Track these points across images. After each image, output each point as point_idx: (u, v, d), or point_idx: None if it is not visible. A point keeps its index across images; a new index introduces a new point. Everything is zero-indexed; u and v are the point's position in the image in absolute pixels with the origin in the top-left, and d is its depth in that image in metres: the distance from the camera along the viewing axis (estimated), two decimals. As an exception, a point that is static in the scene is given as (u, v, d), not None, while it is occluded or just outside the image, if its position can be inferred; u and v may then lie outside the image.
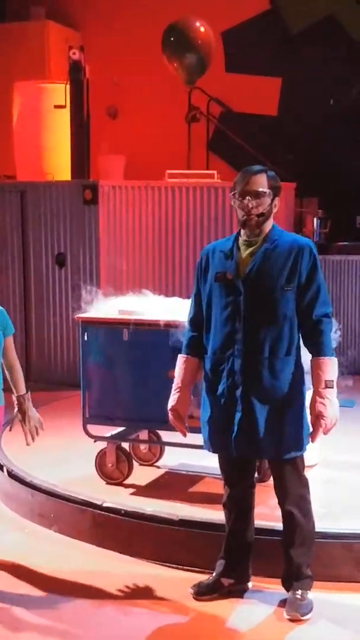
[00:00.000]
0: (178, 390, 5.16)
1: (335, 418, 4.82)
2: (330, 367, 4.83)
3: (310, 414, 4.83)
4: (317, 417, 4.78)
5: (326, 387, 4.79)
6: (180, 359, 5.21)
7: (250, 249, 4.95)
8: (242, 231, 4.98)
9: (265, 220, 4.93)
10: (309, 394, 4.92)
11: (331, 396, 4.80)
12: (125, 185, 10.72)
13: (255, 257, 4.91)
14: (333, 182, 12.97)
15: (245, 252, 4.96)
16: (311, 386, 4.90)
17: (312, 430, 4.84)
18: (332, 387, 4.81)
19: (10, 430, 5.44)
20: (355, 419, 8.21)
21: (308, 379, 4.95)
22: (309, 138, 13.34)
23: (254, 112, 13.84)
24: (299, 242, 4.93)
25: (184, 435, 5.23)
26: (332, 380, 4.82)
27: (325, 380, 4.80)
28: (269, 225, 4.97)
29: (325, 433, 4.86)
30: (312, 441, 4.89)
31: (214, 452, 5.20)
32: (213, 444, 5.13)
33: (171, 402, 5.17)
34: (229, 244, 5.03)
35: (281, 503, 5.09)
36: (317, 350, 4.86)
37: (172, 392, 5.18)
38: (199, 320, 5.12)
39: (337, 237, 12.07)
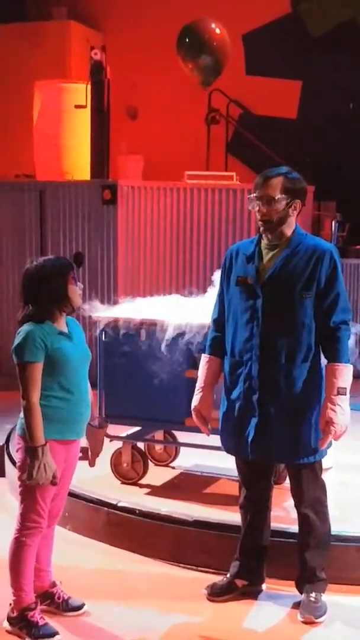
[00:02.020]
0: (201, 390, 5.17)
1: (345, 425, 4.80)
2: (345, 374, 4.81)
3: (321, 420, 4.82)
4: (327, 423, 4.77)
5: (338, 394, 4.77)
6: (204, 359, 5.22)
7: (272, 254, 4.93)
8: (264, 234, 4.99)
9: (279, 224, 4.88)
10: None
11: (343, 403, 4.78)
12: (144, 185, 10.74)
13: (275, 262, 4.89)
14: (351, 185, 12.97)
15: (266, 257, 4.94)
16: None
17: (322, 436, 4.83)
18: (345, 395, 4.80)
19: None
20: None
21: None
22: (328, 141, 13.33)
23: (274, 115, 13.85)
24: (320, 247, 4.89)
25: (207, 435, 5.24)
26: (345, 388, 4.80)
27: (338, 387, 4.77)
28: (289, 229, 4.93)
29: (335, 439, 4.85)
30: (320, 447, 4.87)
31: (229, 453, 5.21)
32: (228, 447, 5.14)
33: (194, 402, 5.17)
34: (252, 247, 5.02)
35: (297, 505, 5.09)
36: (333, 357, 4.84)
37: (195, 392, 5.19)
38: (222, 321, 5.12)
39: (355, 240, 12.04)
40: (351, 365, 4.85)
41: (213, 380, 5.18)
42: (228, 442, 5.12)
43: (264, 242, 4.98)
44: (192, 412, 5.18)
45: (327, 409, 4.76)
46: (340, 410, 4.75)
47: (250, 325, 4.90)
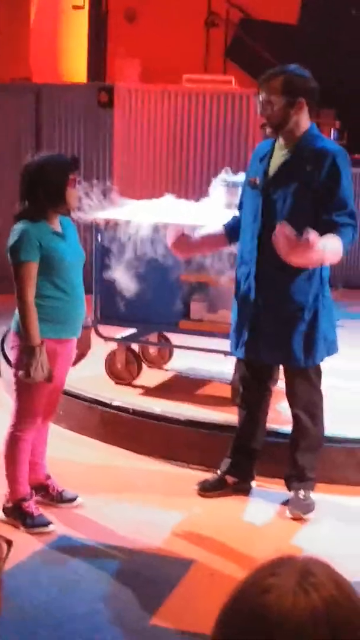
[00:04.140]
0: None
1: (333, 254, 4.56)
2: (337, 245, 4.57)
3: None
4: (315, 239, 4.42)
5: (327, 249, 4.49)
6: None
7: (280, 154, 4.89)
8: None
9: (281, 127, 4.80)
10: None
11: (326, 252, 4.50)
12: (141, 88, 10.63)
13: (280, 163, 4.88)
14: (351, 93, 12.82)
15: (275, 157, 4.91)
16: None
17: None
18: (329, 257, 4.57)
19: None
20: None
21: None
22: (329, 48, 13.14)
23: (274, 19, 13.63)
24: (325, 148, 4.80)
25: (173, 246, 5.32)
26: (331, 251, 4.54)
27: (329, 249, 4.51)
28: (298, 129, 4.83)
29: (317, 259, 4.53)
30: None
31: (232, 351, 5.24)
32: (231, 344, 5.19)
33: None
34: (267, 147, 4.98)
35: (290, 406, 5.17)
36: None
37: None
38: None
39: (354, 149, 11.93)
40: (342, 244, 4.61)
41: (208, 238, 5.25)
42: (231, 340, 5.18)
43: (278, 142, 4.93)
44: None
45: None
46: (323, 248, 4.46)
47: (253, 225, 4.90)
